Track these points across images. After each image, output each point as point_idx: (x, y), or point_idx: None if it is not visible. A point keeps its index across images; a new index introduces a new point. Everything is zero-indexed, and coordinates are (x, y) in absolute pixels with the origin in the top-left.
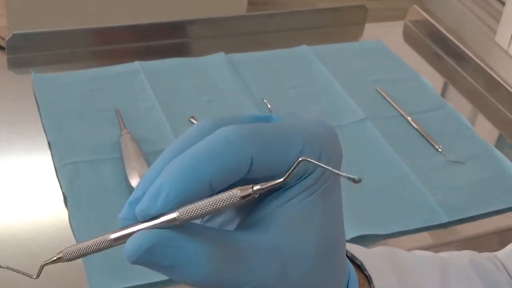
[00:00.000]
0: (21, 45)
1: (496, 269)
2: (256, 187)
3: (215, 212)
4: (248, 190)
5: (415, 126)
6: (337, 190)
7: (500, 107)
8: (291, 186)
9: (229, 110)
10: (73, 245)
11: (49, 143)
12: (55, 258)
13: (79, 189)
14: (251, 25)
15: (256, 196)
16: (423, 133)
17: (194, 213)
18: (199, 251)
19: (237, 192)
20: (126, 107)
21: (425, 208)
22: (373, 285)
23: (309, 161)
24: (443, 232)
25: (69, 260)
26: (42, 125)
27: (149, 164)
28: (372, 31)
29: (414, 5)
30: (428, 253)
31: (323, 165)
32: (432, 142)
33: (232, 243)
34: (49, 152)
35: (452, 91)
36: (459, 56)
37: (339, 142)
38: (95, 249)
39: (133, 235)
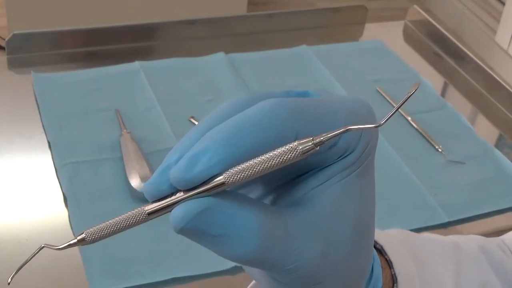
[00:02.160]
0: (21, 45)
1: (504, 255)
2: (316, 139)
3: (269, 171)
4: (307, 143)
5: (415, 126)
6: (372, 172)
7: (500, 107)
8: (330, 165)
9: None
10: (96, 226)
11: (49, 143)
12: (75, 240)
13: (79, 189)
14: (251, 25)
15: (317, 149)
16: (423, 133)
17: (245, 173)
18: (250, 221)
19: (295, 146)
20: (126, 107)
21: (425, 208)
22: (393, 270)
23: (357, 128)
24: (443, 232)
25: (92, 242)
26: (42, 125)
27: (149, 164)
28: (372, 31)
29: (414, 5)
30: (441, 237)
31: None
32: (432, 142)
33: (279, 218)
34: (49, 152)
35: (452, 91)
36: (459, 56)
37: (376, 121)
38: (125, 226)
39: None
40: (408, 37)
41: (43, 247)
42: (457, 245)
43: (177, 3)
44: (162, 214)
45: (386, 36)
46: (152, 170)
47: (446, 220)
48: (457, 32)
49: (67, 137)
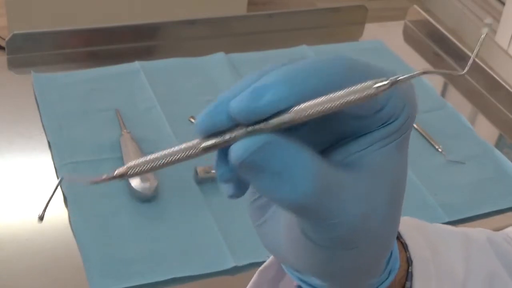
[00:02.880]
0: (21, 45)
1: (511, 248)
2: (393, 78)
3: (337, 110)
4: (383, 81)
5: (415, 126)
6: (407, 148)
7: (500, 107)
8: (372, 131)
9: None
10: (140, 159)
11: (49, 143)
12: (111, 175)
13: (79, 189)
14: (251, 25)
15: (391, 88)
16: (423, 133)
17: (313, 110)
18: (309, 163)
19: (370, 84)
20: (126, 107)
21: (425, 208)
22: (408, 252)
23: (434, 72)
24: None
25: (132, 176)
26: (42, 125)
27: None
28: (372, 31)
29: (414, 5)
30: (450, 227)
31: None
32: (432, 142)
33: (332, 169)
34: (49, 152)
35: (452, 91)
36: (459, 56)
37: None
38: (174, 160)
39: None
40: (408, 37)
41: (62, 179)
42: (466, 235)
43: (177, 3)
44: (216, 149)
45: (386, 36)
46: None
47: (446, 220)
48: (457, 32)
49: (67, 137)
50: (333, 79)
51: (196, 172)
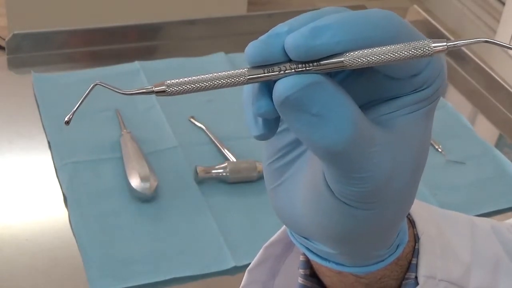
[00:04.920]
0: (21, 45)
1: None
2: (450, 42)
3: (390, 63)
4: (442, 42)
5: None
6: (432, 120)
7: (500, 107)
8: (404, 95)
9: (230, 109)
10: (180, 79)
11: (49, 143)
12: (151, 89)
13: (79, 189)
14: (251, 25)
15: (446, 51)
16: None
17: (366, 59)
18: (350, 110)
19: (427, 42)
20: (126, 107)
21: None
22: (416, 229)
23: (493, 42)
24: None
25: (172, 94)
26: (42, 125)
27: (149, 164)
28: None
29: (414, 5)
30: (456, 212)
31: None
32: (432, 142)
33: (367, 123)
34: (49, 152)
35: (452, 91)
36: (459, 56)
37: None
38: (219, 84)
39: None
40: None
41: (96, 84)
42: (472, 221)
43: (177, 3)
44: (262, 81)
45: None
46: (152, 170)
47: None
48: (457, 32)
49: (67, 137)
50: (387, 34)
51: (196, 172)
